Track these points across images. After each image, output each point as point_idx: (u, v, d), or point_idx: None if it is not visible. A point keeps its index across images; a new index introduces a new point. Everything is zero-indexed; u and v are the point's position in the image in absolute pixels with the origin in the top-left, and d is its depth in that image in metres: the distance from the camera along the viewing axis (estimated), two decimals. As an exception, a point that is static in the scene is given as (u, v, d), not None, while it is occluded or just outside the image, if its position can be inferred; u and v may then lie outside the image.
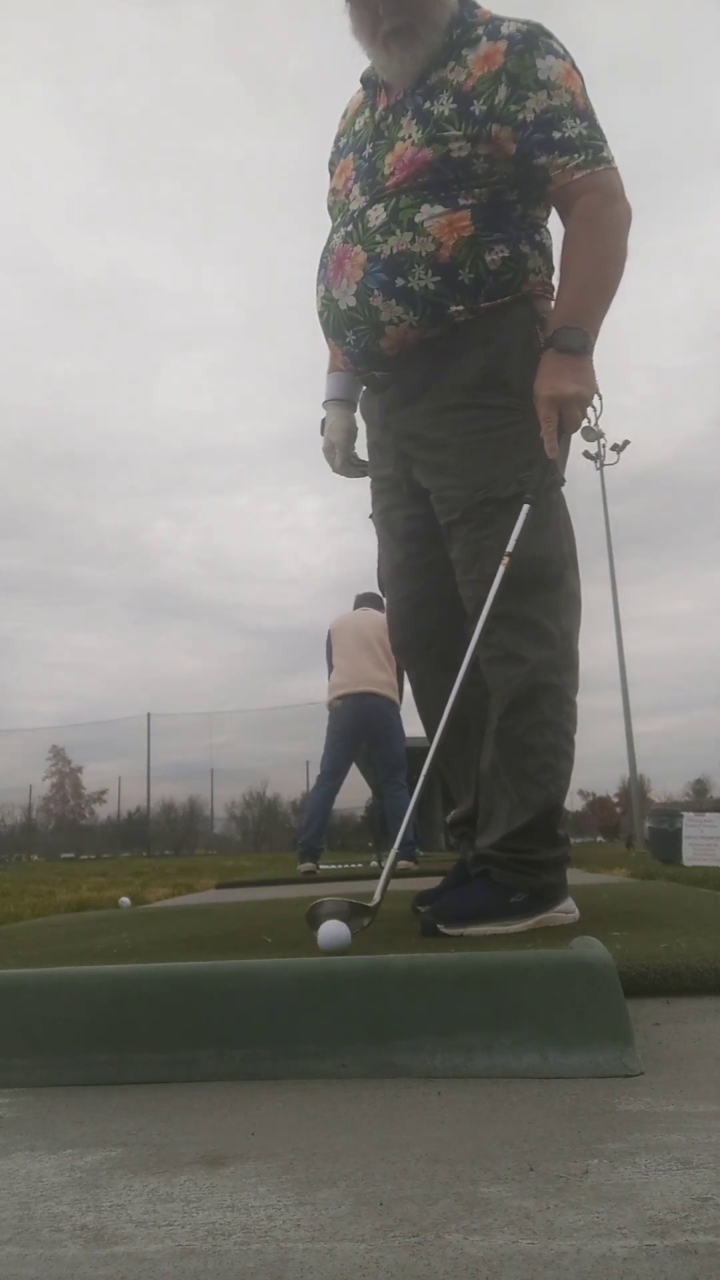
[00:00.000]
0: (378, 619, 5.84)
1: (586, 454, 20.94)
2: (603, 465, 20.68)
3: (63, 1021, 1.02)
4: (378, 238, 1.75)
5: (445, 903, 1.78)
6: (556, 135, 1.70)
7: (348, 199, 1.83)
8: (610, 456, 20.75)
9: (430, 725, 1.92)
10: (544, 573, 1.77)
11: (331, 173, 1.95)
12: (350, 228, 1.80)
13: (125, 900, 4.04)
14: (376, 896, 1.65)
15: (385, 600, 2.17)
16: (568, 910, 1.80)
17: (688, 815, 5.85)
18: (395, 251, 1.74)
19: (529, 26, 1.74)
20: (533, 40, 1.72)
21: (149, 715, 25.82)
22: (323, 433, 2.13)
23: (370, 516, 2.10)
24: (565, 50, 1.75)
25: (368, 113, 1.88)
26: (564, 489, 1.86)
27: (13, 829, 28.33)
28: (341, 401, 2.11)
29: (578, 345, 1.71)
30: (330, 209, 1.92)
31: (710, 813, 5.92)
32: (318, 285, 1.89)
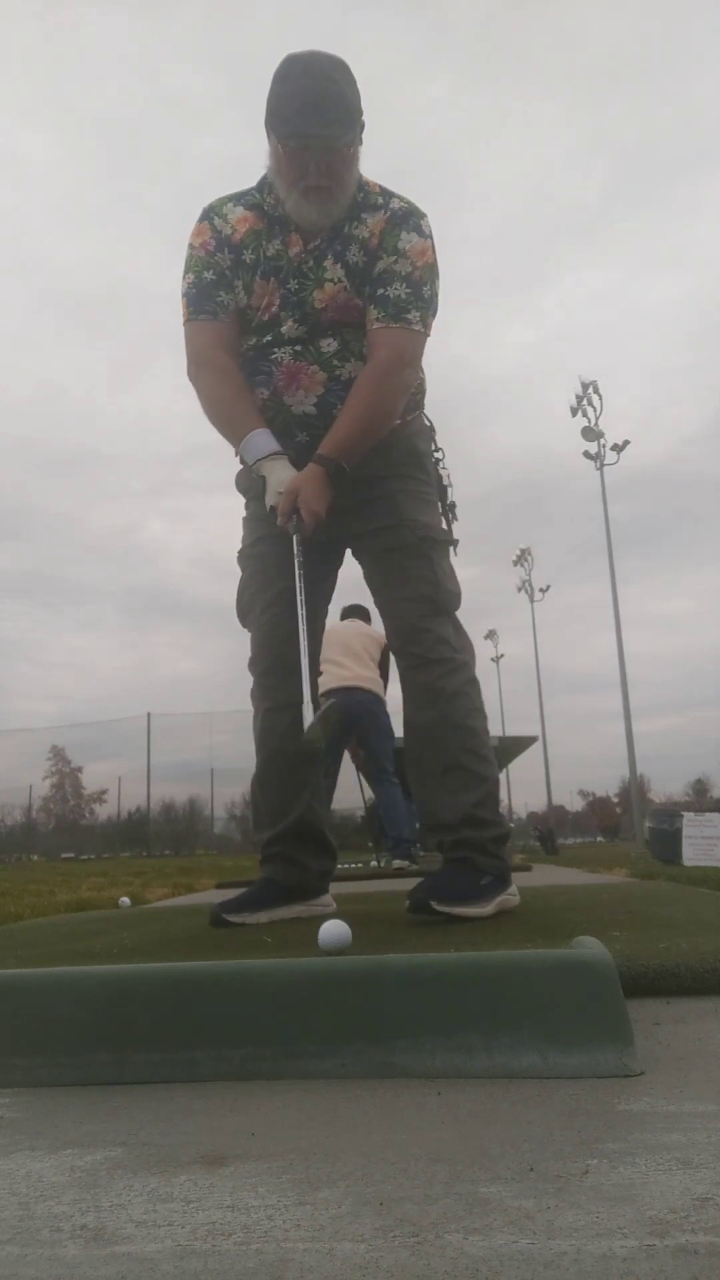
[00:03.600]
0: (362, 629, 6.00)
1: (586, 454, 20.94)
2: (602, 465, 20.68)
3: (63, 1021, 1.02)
4: (335, 362, 2.10)
5: (434, 884, 2.00)
6: (380, 292, 2.06)
7: (275, 320, 2.10)
8: (610, 456, 20.75)
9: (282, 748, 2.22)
10: (454, 604, 2.22)
11: (223, 275, 2.11)
12: (299, 348, 2.10)
13: (125, 900, 4.04)
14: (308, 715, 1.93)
15: (256, 623, 2.27)
16: (514, 893, 2.10)
17: (688, 815, 5.84)
18: (352, 375, 2.10)
19: (409, 207, 2.10)
20: (406, 217, 2.08)
21: (149, 715, 25.82)
22: (263, 493, 2.11)
23: (241, 552, 2.34)
24: (430, 232, 2.11)
25: (278, 245, 2.08)
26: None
27: (13, 829, 28.31)
28: (284, 454, 2.09)
29: (336, 476, 2.04)
30: (250, 322, 2.13)
31: (710, 813, 5.91)
32: (256, 389, 2.13)
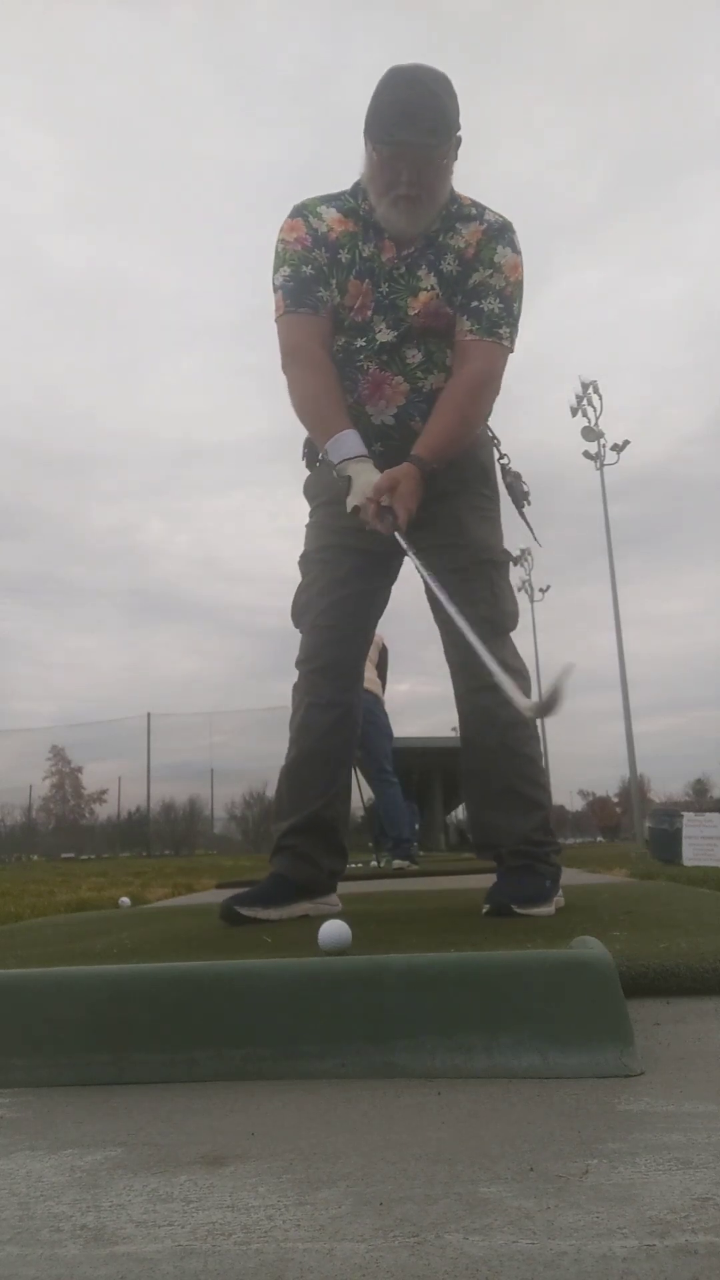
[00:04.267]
0: None
1: (586, 454, 20.94)
2: (602, 465, 20.67)
3: (63, 1021, 1.02)
4: (419, 374, 2.14)
5: (509, 889, 2.10)
6: (474, 304, 2.10)
7: (368, 324, 2.12)
8: (610, 456, 20.74)
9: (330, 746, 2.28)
10: (512, 624, 2.29)
11: (321, 272, 2.12)
12: (385, 357, 2.13)
13: (125, 900, 4.04)
14: None
15: (312, 625, 2.28)
16: (561, 896, 2.20)
17: (688, 815, 5.83)
18: (434, 388, 2.14)
19: (504, 221, 2.15)
20: (502, 231, 2.13)
21: (149, 715, 25.81)
22: (338, 497, 2.10)
23: (305, 556, 2.35)
24: (520, 248, 2.15)
25: (371, 248, 2.11)
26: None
27: (13, 829, 28.32)
28: (370, 457, 2.09)
29: (430, 479, 2.07)
30: (341, 322, 2.14)
31: (710, 813, 5.90)
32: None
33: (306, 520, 2.39)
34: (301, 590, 2.34)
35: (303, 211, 2.16)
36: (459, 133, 2.02)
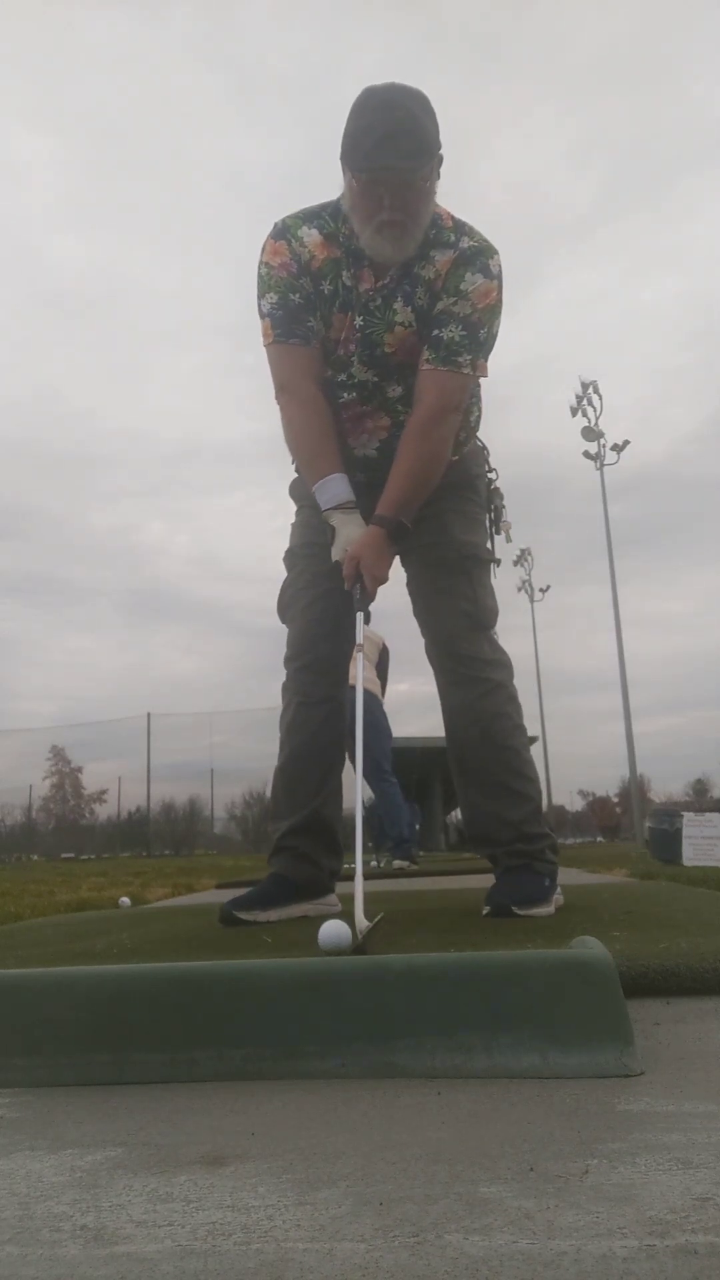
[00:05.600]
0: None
1: (586, 454, 20.92)
2: (603, 465, 20.65)
3: (63, 1021, 1.02)
4: (399, 407, 2.13)
5: (508, 890, 2.09)
6: (435, 333, 2.05)
7: (349, 359, 2.10)
8: (610, 456, 20.72)
9: (320, 744, 2.28)
10: (492, 620, 2.28)
11: (309, 300, 2.07)
12: (365, 393, 2.13)
13: (125, 900, 4.04)
14: (360, 921, 1.46)
15: (296, 620, 2.31)
16: (560, 893, 2.20)
17: (688, 815, 5.83)
18: None
19: (479, 245, 2.05)
20: (474, 257, 2.04)
21: (149, 715, 25.79)
22: (331, 542, 2.10)
23: (290, 552, 2.38)
24: (499, 272, 2.06)
25: (348, 277, 2.06)
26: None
27: (13, 829, 28.30)
28: (356, 509, 2.10)
29: (397, 535, 2.09)
30: (328, 354, 2.12)
31: (710, 813, 5.90)
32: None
33: (293, 519, 2.42)
34: (287, 585, 2.36)
35: (285, 234, 2.08)
36: (440, 151, 1.94)
